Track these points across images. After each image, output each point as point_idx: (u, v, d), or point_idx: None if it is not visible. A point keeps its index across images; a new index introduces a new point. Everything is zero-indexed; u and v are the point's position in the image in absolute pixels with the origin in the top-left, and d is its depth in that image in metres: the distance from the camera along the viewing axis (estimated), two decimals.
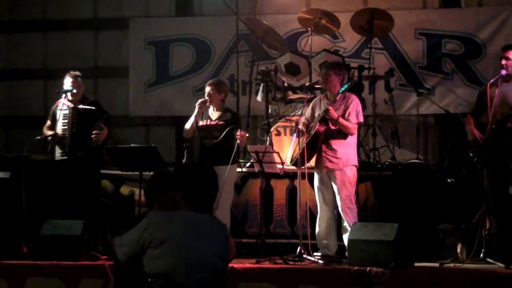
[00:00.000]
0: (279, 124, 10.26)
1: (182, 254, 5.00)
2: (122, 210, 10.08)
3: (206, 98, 9.51)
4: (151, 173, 6.48)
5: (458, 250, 8.89)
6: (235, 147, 9.29)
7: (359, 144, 9.83)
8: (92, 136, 9.62)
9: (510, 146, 8.64)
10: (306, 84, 10.11)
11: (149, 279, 4.89)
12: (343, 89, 9.05)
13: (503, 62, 8.79)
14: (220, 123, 9.45)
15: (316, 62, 10.29)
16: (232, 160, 9.30)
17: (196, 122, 9.53)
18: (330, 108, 8.82)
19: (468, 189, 9.23)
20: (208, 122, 9.50)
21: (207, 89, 9.59)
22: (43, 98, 12.35)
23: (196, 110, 9.51)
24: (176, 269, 4.97)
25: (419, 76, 11.65)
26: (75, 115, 9.72)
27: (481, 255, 8.50)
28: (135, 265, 4.96)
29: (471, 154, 8.87)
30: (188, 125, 9.61)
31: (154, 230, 4.96)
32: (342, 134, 8.92)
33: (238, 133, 9.19)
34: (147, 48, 12.62)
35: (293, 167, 9.23)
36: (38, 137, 9.97)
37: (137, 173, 9.33)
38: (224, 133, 9.32)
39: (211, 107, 9.56)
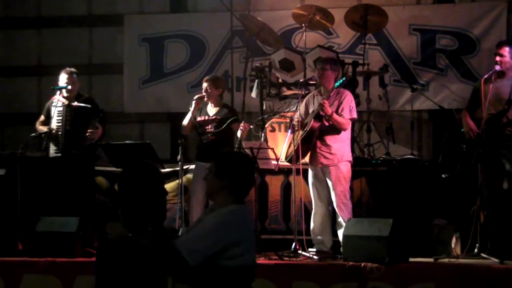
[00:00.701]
0: (273, 120, 10.26)
1: (253, 246, 5.08)
2: (117, 207, 10.08)
3: (203, 93, 9.54)
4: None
5: (453, 245, 8.93)
6: (233, 142, 9.32)
7: (354, 140, 9.84)
8: (87, 134, 9.64)
9: (504, 141, 8.68)
10: (301, 80, 10.09)
11: (238, 274, 4.88)
12: (337, 84, 9.07)
13: (497, 58, 8.82)
14: (218, 118, 9.48)
15: (310, 58, 10.31)
16: None
17: (194, 117, 9.55)
18: (325, 102, 8.83)
19: (462, 184, 9.25)
20: (206, 118, 9.52)
21: (204, 84, 9.62)
22: (37, 95, 12.34)
23: (193, 105, 9.54)
24: (254, 261, 5.05)
25: (413, 72, 11.65)
26: (69, 112, 9.73)
27: (476, 250, 8.53)
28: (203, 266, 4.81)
29: (464, 149, 8.89)
30: (185, 121, 9.64)
31: (232, 229, 4.88)
32: (336, 130, 8.93)
33: (242, 124, 9.24)
34: (142, 44, 12.61)
35: (288, 163, 9.25)
36: (33, 134, 9.98)
37: None
38: (225, 124, 9.35)
39: (209, 103, 9.58)
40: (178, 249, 4.84)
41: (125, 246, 4.93)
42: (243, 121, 9.43)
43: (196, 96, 9.62)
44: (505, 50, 8.81)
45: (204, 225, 4.97)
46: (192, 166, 9.94)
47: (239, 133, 9.24)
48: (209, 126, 9.51)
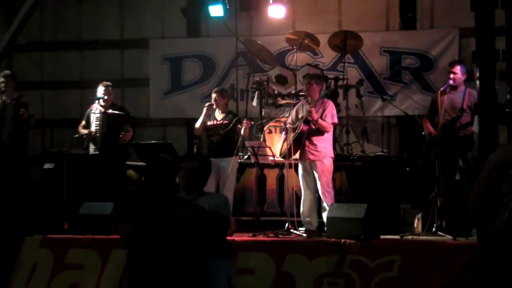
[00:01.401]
0: (270, 124, 10.26)
1: None
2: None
3: (213, 102, 9.55)
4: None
5: (415, 225, 8.92)
6: (238, 142, 9.32)
7: (335, 140, 9.83)
8: (120, 136, 9.66)
9: (457, 141, 8.69)
10: (292, 92, 10.12)
11: None
12: (322, 95, 9.08)
13: (451, 75, 8.83)
14: (224, 122, 9.49)
15: (300, 74, 10.29)
16: (234, 153, 9.35)
17: (205, 122, 9.56)
18: (312, 109, 8.85)
19: (423, 176, 9.26)
20: (215, 122, 9.53)
21: (213, 95, 9.62)
22: (79, 104, 12.32)
23: (204, 111, 9.55)
24: None
25: (383, 85, 11.64)
26: (105, 118, 9.75)
27: (433, 229, 8.56)
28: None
29: (425, 148, 8.91)
30: (198, 124, 9.63)
31: None
32: (321, 132, 8.94)
33: (245, 121, 9.25)
34: (164, 63, 12.60)
35: (282, 159, 9.25)
36: (76, 136, 9.99)
37: None
38: (232, 124, 9.35)
39: (217, 110, 9.59)
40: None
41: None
42: (245, 119, 9.44)
43: (207, 104, 9.63)
44: (457, 69, 8.83)
45: None
46: None
47: (242, 131, 9.24)
48: (218, 130, 9.49)
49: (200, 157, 5.91)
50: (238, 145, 9.46)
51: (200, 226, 5.08)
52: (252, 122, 9.79)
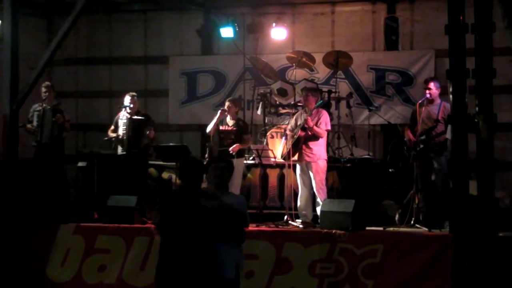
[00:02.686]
0: (273, 130, 10.24)
1: None
2: (163, 190, 10.10)
3: (226, 108, 9.55)
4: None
5: (396, 219, 8.92)
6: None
7: (328, 145, 9.81)
8: (144, 138, 9.68)
9: (433, 147, 8.69)
10: (292, 103, 10.14)
11: None
12: (317, 105, 9.08)
13: (427, 91, 8.85)
14: (234, 129, 9.50)
15: (299, 87, 10.28)
16: (241, 155, 9.38)
17: (217, 126, 9.56)
18: (308, 118, 8.86)
19: (403, 176, 9.25)
20: (226, 128, 9.54)
21: (227, 103, 9.64)
22: (109, 111, 12.32)
23: (218, 114, 9.54)
24: None
25: (370, 98, 11.61)
26: (131, 124, 9.76)
27: (412, 222, 8.55)
28: None
29: (405, 152, 8.91)
30: (210, 126, 9.60)
31: None
32: (316, 137, 8.93)
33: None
34: (181, 76, 12.60)
35: (283, 160, 9.26)
36: (106, 138, 10.01)
37: (174, 163, 9.32)
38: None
39: (228, 116, 9.60)
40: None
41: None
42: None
43: (221, 108, 9.66)
44: (431, 85, 8.85)
45: None
46: None
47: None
48: (229, 135, 9.50)
49: (228, 160, 6.01)
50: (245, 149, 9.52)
51: (224, 219, 5.25)
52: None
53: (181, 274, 5.04)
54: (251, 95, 11.37)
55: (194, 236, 5.08)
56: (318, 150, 8.96)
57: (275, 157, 9.25)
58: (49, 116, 9.94)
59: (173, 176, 9.88)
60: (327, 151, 9.47)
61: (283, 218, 8.98)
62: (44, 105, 9.99)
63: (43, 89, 10.06)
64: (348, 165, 9.83)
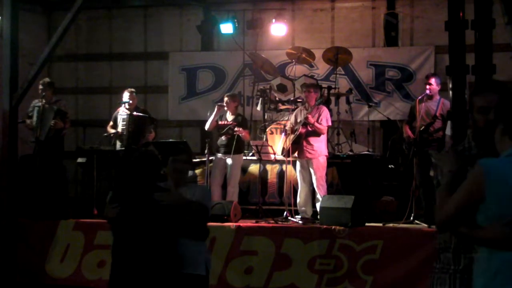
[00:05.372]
0: (272, 126, 10.25)
1: None
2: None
3: (224, 104, 9.55)
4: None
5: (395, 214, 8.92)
6: (244, 142, 9.35)
7: (328, 141, 9.83)
8: (145, 136, 9.68)
9: (431, 142, 8.69)
10: (291, 99, 10.13)
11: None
12: (317, 102, 9.08)
13: (427, 86, 8.84)
14: (234, 123, 9.50)
15: (298, 83, 10.29)
16: (240, 151, 9.36)
17: (217, 121, 9.57)
18: (309, 115, 8.86)
19: (403, 172, 9.26)
20: (226, 122, 9.54)
21: (225, 99, 9.66)
22: (108, 107, 12.31)
23: (216, 109, 9.56)
24: None
25: (369, 94, 11.61)
26: (130, 120, 9.76)
27: (411, 218, 8.55)
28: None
29: (404, 148, 8.91)
30: (209, 121, 9.64)
31: None
32: (317, 133, 8.95)
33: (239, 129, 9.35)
34: (181, 72, 12.59)
35: (282, 157, 9.26)
36: (105, 134, 10.00)
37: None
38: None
39: (228, 112, 9.60)
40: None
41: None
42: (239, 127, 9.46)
43: (219, 103, 9.67)
44: (432, 80, 8.84)
45: None
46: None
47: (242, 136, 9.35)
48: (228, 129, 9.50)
49: (187, 151, 5.79)
50: (244, 144, 9.50)
51: (179, 213, 5.01)
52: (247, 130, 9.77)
53: (137, 275, 4.80)
54: (250, 91, 11.36)
55: (149, 234, 4.84)
56: (319, 147, 8.96)
57: (274, 153, 9.24)
58: (49, 114, 9.90)
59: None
60: (327, 147, 9.47)
61: (283, 214, 8.99)
62: (43, 102, 9.95)
63: (40, 86, 9.99)
64: (348, 161, 9.83)
